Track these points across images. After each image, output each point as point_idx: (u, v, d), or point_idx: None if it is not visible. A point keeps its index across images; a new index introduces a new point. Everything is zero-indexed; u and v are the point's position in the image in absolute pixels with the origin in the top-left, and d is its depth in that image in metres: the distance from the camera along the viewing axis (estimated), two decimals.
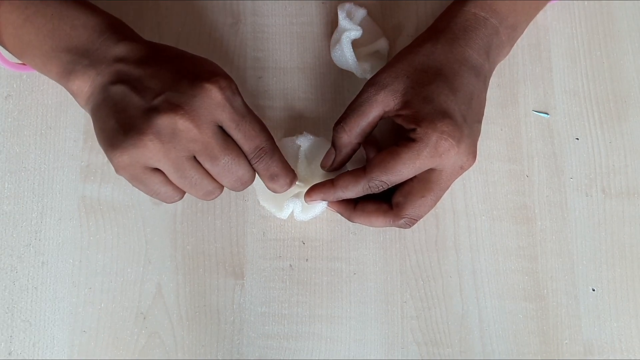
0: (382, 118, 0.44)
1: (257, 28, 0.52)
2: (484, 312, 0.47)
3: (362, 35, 0.49)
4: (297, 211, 0.46)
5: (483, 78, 0.45)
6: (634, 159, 0.50)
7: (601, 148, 0.50)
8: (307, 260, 0.48)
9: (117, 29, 0.43)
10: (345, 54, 0.49)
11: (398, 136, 0.43)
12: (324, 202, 0.46)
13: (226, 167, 0.41)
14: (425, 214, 0.44)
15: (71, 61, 0.42)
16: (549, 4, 0.52)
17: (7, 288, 0.46)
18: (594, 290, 0.48)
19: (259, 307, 0.47)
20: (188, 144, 0.39)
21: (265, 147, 0.42)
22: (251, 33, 0.52)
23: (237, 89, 0.41)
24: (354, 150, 0.45)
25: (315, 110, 0.50)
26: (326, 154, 0.46)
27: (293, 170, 0.44)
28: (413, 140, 0.41)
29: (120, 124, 0.39)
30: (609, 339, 0.47)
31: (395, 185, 0.43)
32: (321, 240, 0.48)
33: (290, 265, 0.48)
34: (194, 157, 0.40)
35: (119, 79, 0.40)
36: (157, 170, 0.40)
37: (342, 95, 0.51)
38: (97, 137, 0.41)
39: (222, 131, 0.40)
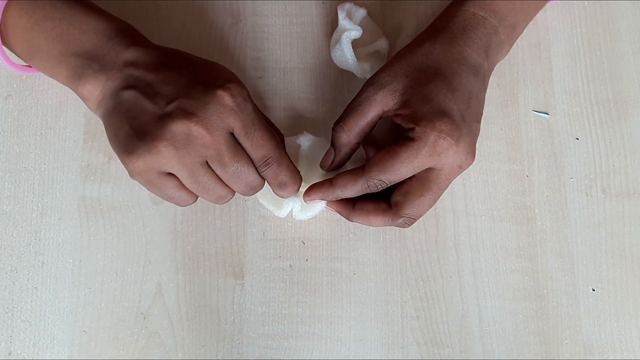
0: (381, 118, 0.44)
1: (257, 28, 0.52)
2: (484, 312, 0.47)
3: (362, 35, 0.49)
4: (296, 210, 0.46)
5: (482, 77, 0.45)
6: (634, 159, 0.50)
7: (601, 148, 0.50)
8: (307, 260, 0.48)
9: (127, 34, 0.43)
10: (345, 54, 0.49)
11: (397, 136, 0.43)
12: (323, 201, 0.46)
13: (235, 173, 0.41)
14: (424, 213, 0.44)
15: (81, 65, 0.42)
16: (549, 4, 0.52)
17: (7, 288, 0.46)
18: (594, 290, 0.48)
19: (259, 307, 0.47)
20: (201, 150, 0.39)
21: (272, 156, 0.42)
22: (251, 33, 0.52)
23: (249, 95, 0.41)
24: (353, 150, 0.45)
25: (315, 110, 0.50)
26: (325, 153, 0.46)
27: (300, 176, 0.44)
28: (412, 140, 0.41)
29: (134, 129, 0.39)
30: (609, 339, 0.47)
31: (394, 185, 0.43)
32: (321, 240, 0.48)
33: (290, 265, 0.48)
34: (207, 162, 0.40)
35: (130, 84, 0.41)
36: (171, 175, 0.41)
37: (342, 95, 0.51)
38: (110, 142, 0.41)
39: (234, 138, 0.41)
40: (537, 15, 0.50)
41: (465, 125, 0.42)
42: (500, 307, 0.47)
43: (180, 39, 0.51)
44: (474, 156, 0.43)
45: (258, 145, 0.41)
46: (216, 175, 0.41)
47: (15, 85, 0.50)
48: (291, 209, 0.46)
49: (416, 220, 0.44)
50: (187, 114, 0.39)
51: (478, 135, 0.44)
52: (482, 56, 0.45)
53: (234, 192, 0.43)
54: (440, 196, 0.44)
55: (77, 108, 0.49)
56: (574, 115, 0.51)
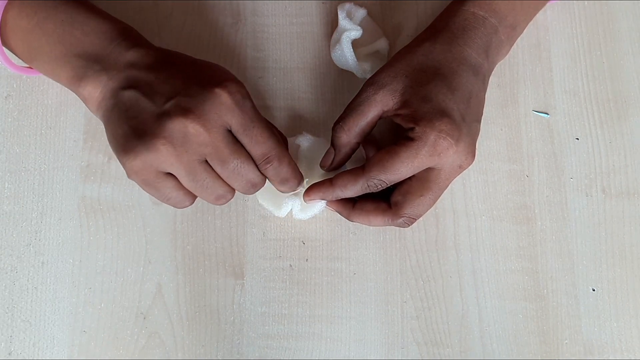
0: (381, 117, 0.44)
1: (257, 28, 0.52)
2: (484, 312, 0.47)
3: (362, 35, 0.49)
4: (295, 210, 0.46)
5: (482, 77, 0.45)
6: (634, 159, 0.50)
7: (601, 148, 0.50)
8: (307, 260, 0.48)
9: (129, 35, 0.43)
10: (345, 54, 0.49)
11: (397, 136, 0.43)
12: (322, 201, 0.46)
13: (235, 170, 0.41)
14: (424, 213, 0.44)
15: (83, 66, 0.42)
16: (549, 4, 0.52)
17: (7, 288, 0.46)
18: (594, 290, 0.48)
19: (259, 307, 0.47)
20: (199, 147, 0.39)
21: (273, 154, 0.41)
22: (251, 33, 0.52)
23: (247, 93, 0.41)
24: (353, 150, 0.45)
25: (315, 110, 0.50)
26: (325, 153, 0.46)
27: (301, 173, 0.44)
28: (411, 139, 0.41)
29: (132, 128, 0.39)
30: (609, 339, 0.47)
31: (394, 185, 0.43)
32: (321, 240, 0.48)
33: (290, 265, 0.48)
34: (206, 160, 0.40)
35: (130, 84, 0.40)
36: (169, 175, 0.41)
37: (342, 95, 0.51)
38: (109, 141, 0.41)
39: (232, 135, 0.41)
40: (537, 15, 0.50)
41: (465, 125, 0.42)
42: (500, 307, 0.47)
43: (181, 39, 0.51)
44: (474, 156, 0.43)
45: (258, 143, 0.41)
46: (215, 173, 0.41)
47: (15, 86, 0.50)
48: (291, 209, 0.46)
49: (416, 220, 0.44)
50: (184, 112, 0.39)
51: (478, 135, 0.44)
52: (482, 56, 0.45)
53: (233, 191, 0.42)
54: (440, 196, 0.44)
55: (77, 108, 0.49)
56: (574, 115, 0.51)
